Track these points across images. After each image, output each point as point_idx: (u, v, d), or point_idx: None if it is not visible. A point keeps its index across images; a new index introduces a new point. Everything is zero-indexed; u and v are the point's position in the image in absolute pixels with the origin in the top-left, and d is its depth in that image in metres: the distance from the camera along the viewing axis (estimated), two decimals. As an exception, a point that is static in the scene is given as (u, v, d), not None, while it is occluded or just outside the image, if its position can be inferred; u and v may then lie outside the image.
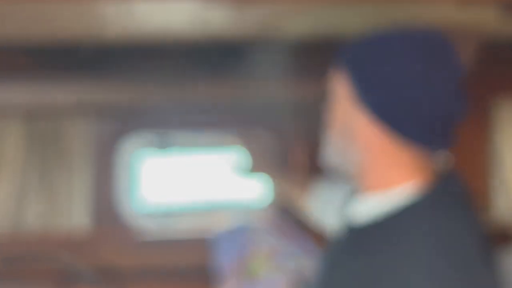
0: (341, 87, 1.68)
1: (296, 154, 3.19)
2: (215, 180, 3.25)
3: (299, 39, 2.74)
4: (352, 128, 1.65)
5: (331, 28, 2.57)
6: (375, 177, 1.64)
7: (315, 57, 3.07)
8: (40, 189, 2.98)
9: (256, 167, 2.67)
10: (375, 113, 1.59)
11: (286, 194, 2.66)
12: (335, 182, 2.25)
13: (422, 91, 1.52)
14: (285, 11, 2.24)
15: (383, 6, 2.16)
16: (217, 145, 3.25)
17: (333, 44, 2.89)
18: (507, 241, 3.14)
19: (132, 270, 2.97)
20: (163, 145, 3.21)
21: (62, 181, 2.99)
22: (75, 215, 3.03)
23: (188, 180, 3.25)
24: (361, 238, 1.63)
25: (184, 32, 2.51)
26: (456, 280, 1.47)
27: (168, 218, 3.17)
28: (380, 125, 1.59)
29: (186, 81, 3.06)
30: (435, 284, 1.44)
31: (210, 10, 2.11)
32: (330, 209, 2.23)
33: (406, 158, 1.61)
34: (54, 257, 2.76)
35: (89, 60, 2.83)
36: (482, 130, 3.36)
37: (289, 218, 2.99)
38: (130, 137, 3.17)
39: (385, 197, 1.62)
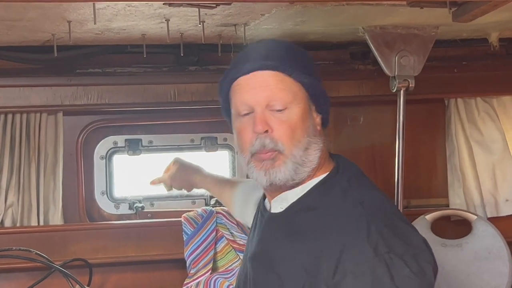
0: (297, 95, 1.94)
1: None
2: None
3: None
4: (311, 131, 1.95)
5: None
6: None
7: None
8: (12, 186, 3.00)
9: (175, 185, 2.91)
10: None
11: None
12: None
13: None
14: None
15: (339, 8, 2.23)
16: (182, 147, 3.30)
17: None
18: (463, 230, 3.24)
19: (104, 262, 3.02)
20: (133, 144, 3.25)
21: (34, 178, 3.02)
22: (47, 211, 3.06)
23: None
24: (293, 220, 1.93)
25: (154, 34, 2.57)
26: (394, 236, 1.79)
27: (139, 212, 3.20)
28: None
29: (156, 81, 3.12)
30: (377, 242, 1.77)
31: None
32: (251, 204, 2.37)
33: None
34: (27, 252, 2.77)
35: (60, 60, 2.86)
36: (439, 129, 3.44)
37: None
38: (102, 136, 3.22)
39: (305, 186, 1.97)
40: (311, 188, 1.95)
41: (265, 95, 1.88)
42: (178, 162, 2.89)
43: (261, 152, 1.87)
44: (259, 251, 1.99)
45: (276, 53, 1.94)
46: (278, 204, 1.99)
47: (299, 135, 1.89)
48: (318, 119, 1.99)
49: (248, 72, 1.90)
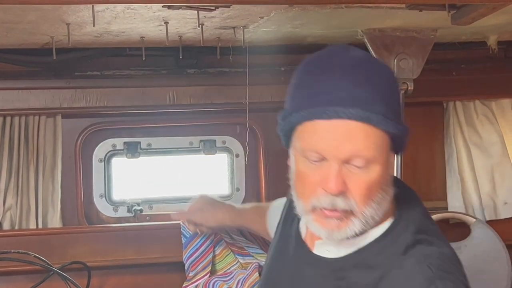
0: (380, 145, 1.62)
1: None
2: (183, 179, 3.31)
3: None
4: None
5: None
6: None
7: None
8: (11, 188, 3.00)
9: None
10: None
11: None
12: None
13: None
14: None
15: (338, 11, 2.23)
16: (180, 149, 3.30)
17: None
18: (462, 232, 3.24)
19: (103, 265, 3.01)
20: (132, 147, 3.25)
21: (33, 181, 3.01)
22: (46, 213, 3.06)
23: (157, 179, 3.31)
24: (346, 276, 1.69)
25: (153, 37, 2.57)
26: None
27: (137, 215, 3.20)
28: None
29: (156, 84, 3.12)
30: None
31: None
32: None
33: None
34: (26, 254, 2.77)
35: (59, 63, 2.87)
36: (438, 131, 3.44)
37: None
38: (101, 139, 3.21)
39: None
40: (371, 242, 1.69)
41: (346, 150, 1.57)
42: (206, 197, 2.75)
43: (327, 210, 1.61)
44: None
45: (367, 94, 1.58)
46: (325, 247, 1.74)
47: (375, 193, 1.62)
48: (392, 158, 1.70)
49: (329, 118, 1.57)
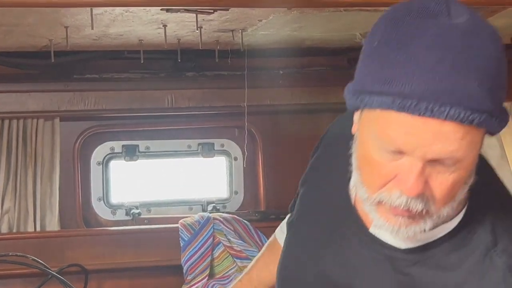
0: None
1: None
2: (181, 182, 3.31)
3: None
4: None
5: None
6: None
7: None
8: (9, 191, 3.00)
9: None
10: None
11: None
12: None
13: None
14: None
15: (337, 14, 2.23)
16: (179, 153, 3.30)
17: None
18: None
19: (101, 269, 3.00)
20: (130, 150, 3.25)
21: (31, 183, 3.01)
22: (44, 217, 3.05)
23: (155, 183, 3.30)
24: (412, 274, 1.40)
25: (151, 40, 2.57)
26: None
27: (136, 219, 3.20)
28: None
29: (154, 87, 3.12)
30: None
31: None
32: None
33: None
34: (24, 257, 2.76)
35: (57, 66, 2.87)
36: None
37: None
38: (99, 142, 3.21)
39: None
40: (441, 238, 1.40)
41: (436, 151, 1.24)
42: None
43: (399, 208, 1.30)
44: (346, 283, 1.47)
45: (472, 86, 1.20)
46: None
47: (457, 192, 1.32)
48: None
49: (420, 115, 1.21)
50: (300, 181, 1.64)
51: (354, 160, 1.35)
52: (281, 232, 1.78)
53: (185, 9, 2.03)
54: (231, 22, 2.34)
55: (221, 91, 3.14)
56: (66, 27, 2.29)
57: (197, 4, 1.97)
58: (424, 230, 1.32)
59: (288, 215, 1.69)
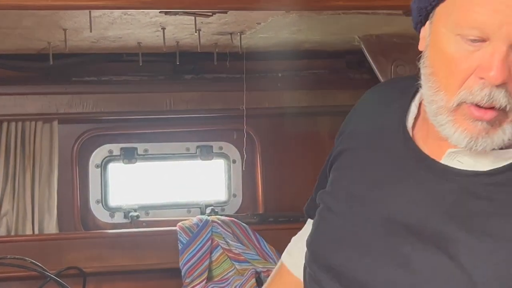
0: None
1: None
2: (179, 185, 3.30)
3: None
4: None
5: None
6: None
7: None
8: (7, 194, 2.99)
9: None
10: None
11: None
12: None
13: None
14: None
15: (335, 17, 2.23)
16: (177, 155, 3.29)
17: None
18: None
19: (99, 271, 3.00)
20: (129, 153, 3.24)
21: (29, 186, 3.01)
22: (42, 219, 3.05)
23: (153, 185, 3.30)
24: (491, 197, 1.29)
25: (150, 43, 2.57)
26: None
27: (134, 221, 3.19)
28: None
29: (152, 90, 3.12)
30: None
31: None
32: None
33: None
34: (22, 260, 2.76)
35: (56, 69, 2.87)
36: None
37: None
38: (98, 144, 3.21)
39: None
40: None
41: None
42: None
43: (479, 107, 1.23)
44: (419, 221, 1.32)
45: None
46: (459, 157, 1.34)
47: None
48: None
49: None
50: (331, 162, 1.54)
51: (426, 70, 1.30)
52: (288, 256, 1.72)
53: (184, 12, 2.03)
54: (230, 25, 2.34)
55: (219, 93, 3.14)
56: (65, 30, 2.29)
57: (196, 7, 1.97)
58: (503, 142, 1.25)
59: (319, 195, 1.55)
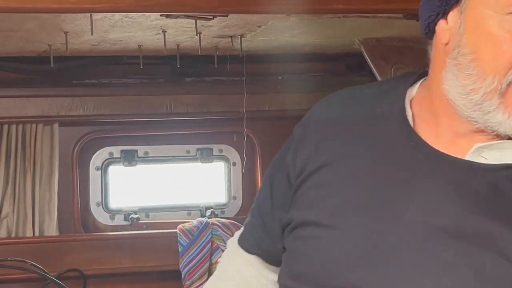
0: None
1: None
2: (180, 187, 3.31)
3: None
4: None
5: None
6: None
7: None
8: (8, 196, 2.99)
9: None
10: None
11: None
12: None
13: None
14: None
15: (335, 20, 2.24)
16: (177, 158, 3.29)
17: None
18: None
19: (99, 274, 3.01)
20: (129, 155, 3.25)
21: (30, 188, 3.02)
22: (42, 221, 3.05)
23: (154, 187, 3.30)
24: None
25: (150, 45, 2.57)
26: None
27: (134, 224, 3.20)
28: None
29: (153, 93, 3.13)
30: None
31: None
32: None
33: None
34: (22, 262, 2.76)
35: (57, 71, 2.87)
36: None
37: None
38: (98, 147, 3.21)
39: None
40: None
41: None
42: None
43: None
44: (456, 221, 1.22)
45: None
46: (485, 153, 1.28)
47: None
48: None
49: None
50: (300, 182, 1.36)
51: (464, 59, 1.21)
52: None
53: (185, 15, 2.03)
54: (230, 28, 2.35)
55: (220, 96, 3.14)
56: (66, 33, 2.29)
57: (197, 10, 1.97)
58: None
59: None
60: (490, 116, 1.21)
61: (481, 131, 1.24)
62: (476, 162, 1.25)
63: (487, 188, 1.23)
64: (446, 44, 1.24)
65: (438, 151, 1.26)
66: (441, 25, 1.26)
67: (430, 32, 1.29)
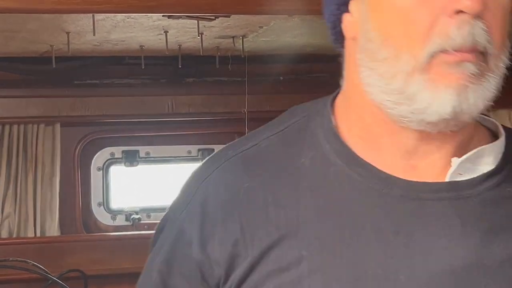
0: None
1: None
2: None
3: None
4: None
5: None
6: None
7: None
8: (9, 197, 3.00)
9: None
10: None
11: None
12: None
13: None
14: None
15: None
16: (179, 158, 3.29)
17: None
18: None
19: (101, 274, 3.00)
20: (131, 155, 3.25)
21: (31, 189, 3.02)
22: (44, 222, 3.05)
23: (155, 188, 3.30)
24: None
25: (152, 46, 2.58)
26: None
27: (136, 224, 3.20)
28: None
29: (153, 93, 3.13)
30: None
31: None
32: None
33: None
34: (24, 263, 2.76)
35: (58, 72, 2.87)
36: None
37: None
38: (99, 147, 3.21)
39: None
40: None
41: None
42: None
43: (460, 51, 0.95)
44: (469, 259, 0.99)
45: None
46: (460, 169, 1.04)
47: (505, 35, 1.01)
48: None
49: None
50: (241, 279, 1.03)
51: (373, 44, 1.00)
52: None
53: (187, 16, 2.03)
54: (232, 29, 2.35)
55: (221, 97, 3.15)
56: (68, 33, 2.30)
57: (199, 11, 1.97)
58: (491, 94, 0.99)
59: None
60: (418, 102, 0.97)
61: (427, 138, 1.01)
62: (457, 182, 1.03)
63: (483, 205, 1.03)
64: (355, 39, 1.06)
65: (413, 182, 1.02)
66: (346, 19, 1.07)
67: (339, 36, 1.11)
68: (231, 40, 2.53)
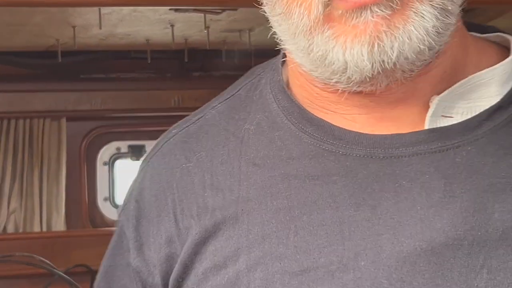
0: None
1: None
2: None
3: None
4: None
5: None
6: None
7: None
8: (15, 192, 2.99)
9: None
10: None
11: None
12: None
13: None
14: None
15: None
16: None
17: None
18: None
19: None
20: (136, 150, 3.25)
21: (37, 184, 3.01)
22: (50, 217, 3.05)
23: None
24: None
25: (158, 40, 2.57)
26: None
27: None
28: None
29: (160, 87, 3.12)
30: None
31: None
32: None
33: None
34: (30, 258, 2.76)
35: (64, 66, 2.87)
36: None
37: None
38: (105, 142, 3.21)
39: None
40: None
41: None
42: None
43: None
44: (471, 225, 0.72)
45: None
46: (442, 112, 0.77)
47: None
48: None
49: None
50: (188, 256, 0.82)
51: (279, 8, 0.77)
52: None
53: (194, 9, 2.02)
54: (239, 22, 2.34)
55: (228, 91, 3.14)
56: (74, 27, 2.29)
57: (206, 4, 1.96)
58: (428, 29, 0.70)
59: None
60: (331, 64, 0.74)
61: (385, 89, 0.76)
62: (452, 125, 0.77)
63: (492, 156, 0.76)
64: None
65: (381, 136, 0.77)
66: None
67: None
68: (237, 33, 2.51)
